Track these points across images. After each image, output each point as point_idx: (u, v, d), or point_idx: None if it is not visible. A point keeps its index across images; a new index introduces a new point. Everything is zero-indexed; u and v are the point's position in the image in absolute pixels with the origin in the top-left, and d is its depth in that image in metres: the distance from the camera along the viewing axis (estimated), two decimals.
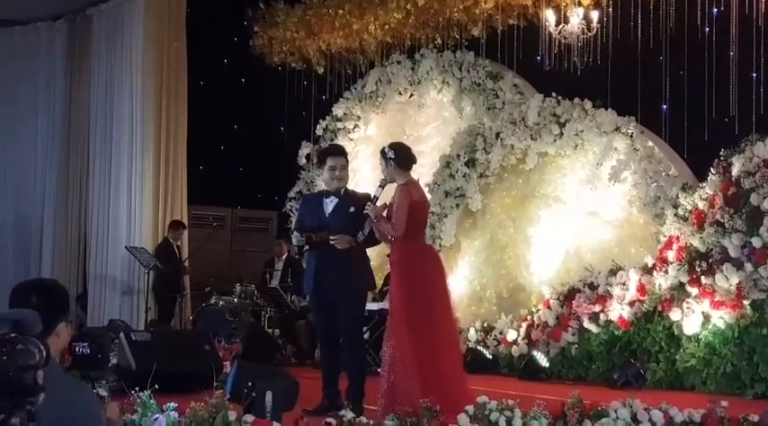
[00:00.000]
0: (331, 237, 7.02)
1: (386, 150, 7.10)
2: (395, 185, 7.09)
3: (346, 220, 7.02)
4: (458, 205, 12.21)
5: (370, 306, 8.78)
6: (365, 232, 6.96)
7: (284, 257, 13.71)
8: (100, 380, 7.47)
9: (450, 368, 6.97)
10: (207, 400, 5.16)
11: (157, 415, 5.08)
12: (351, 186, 7.50)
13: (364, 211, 6.91)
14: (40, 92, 15.82)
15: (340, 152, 7.48)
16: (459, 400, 6.25)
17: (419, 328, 6.81)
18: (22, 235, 15.74)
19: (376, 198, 6.98)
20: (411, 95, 13.66)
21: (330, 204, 7.23)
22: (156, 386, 5.49)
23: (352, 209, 7.05)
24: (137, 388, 5.36)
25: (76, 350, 8.35)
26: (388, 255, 7.85)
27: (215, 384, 6.22)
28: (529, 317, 10.98)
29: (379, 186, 7.06)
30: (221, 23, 15.00)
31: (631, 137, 10.57)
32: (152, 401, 5.22)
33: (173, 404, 5.17)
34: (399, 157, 7.06)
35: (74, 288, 15.19)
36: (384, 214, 6.92)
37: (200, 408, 5.11)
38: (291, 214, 14.75)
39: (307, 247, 7.30)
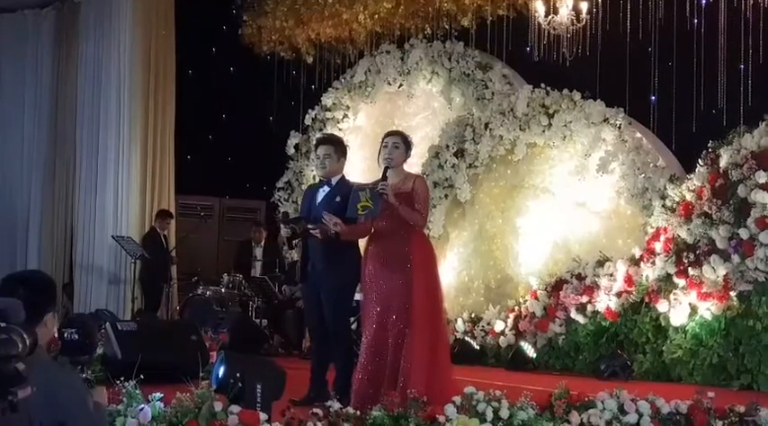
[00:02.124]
0: (309, 226, 6.98)
1: (409, 138, 6.97)
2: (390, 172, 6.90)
3: (331, 210, 6.92)
4: (446, 195, 12.21)
5: (359, 296, 8.72)
6: (361, 213, 6.59)
7: (262, 243, 13.71)
8: (88, 365, 7.54)
9: (445, 361, 6.93)
10: (193, 390, 5.13)
11: (143, 405, 5.05)
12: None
13: (378, 189, 6.52)
14: (26, 79, 15.76)
15: (324, 141, 7.42)
16: (446, 390, 6.25)
17: (442, 319, 6.83)
18: (8, 224, 15.68)
19: (386, 178, 6.65)
20: (400, 85, 13.63)
21: (321, 193, 7.19)
22: (142, 376, 5.45)
23: (338, 199, 6.95)
24: (122, 378, 5.32)
25: (65, 335, 8.43)
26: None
27: (201, 374, 6.19)
28: (516, 308, 10.99)
29: (387, 167, 6.75)
30: (210, 12, 14.95)
31: (620, 128, 10.57)
32: (137, 391, 5.19)
33: (158, 395, 5.14)
34: (410, 150, 7.00)
35: (60, 277, 15.16)
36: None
37: (185, 398, 5.08)
38: (279, 204, 14.72)
39: (295, 239, 7.26)
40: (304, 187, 14.09)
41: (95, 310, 11.91)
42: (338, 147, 7.30)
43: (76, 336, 8.80)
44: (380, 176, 6.76)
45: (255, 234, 13.92)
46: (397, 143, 6.83)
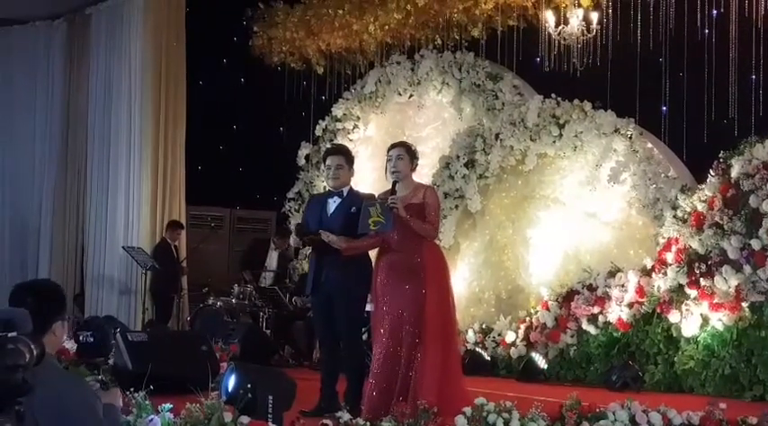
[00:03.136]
0: (321, 231, 6.96)
1: (413, 147, 6.98)
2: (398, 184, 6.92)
3: (347, 221, 6.94)
4: (457, 206, 12.19)
5: (370, 307, 8.69)
6: (373, 228, 6.60)
7: (279, 251, 13.71)
8: (103, 367, 7.70)
9: (456, 371, 6.91)
10: (202, 401, 5.12)
11: (152, 416, 5.04)
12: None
13: (388, 203, 6.56)
14: (38, 91, 15.81)
15: (335, 151, 7.45)
16: (457, 401, 6.23)
17: (454, 329, 6.82)
18: (19, 235, 15.73)
19: (395, 192, 6.69)
20: (411, 96, 13.63)
21: (333, 204, 7.18)
22: (152, 387, 5.45)
23: (353, 209, 6.95)
24: (132, 389, 5.32)
25: (80, 338, 8.83)
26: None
27: (211, 385, 6.19)
28: (527, 319, 10.96)
29: (395, 181, 6.79)
30: (221, 23, 14.98)
31: (630, 138, 10.55)
32: (147, 402, 5.19)
33: (168, 406, 5.14)
34: (417, 159, 7.00)
35: (71, 288, 15.19)
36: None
37: (195, 409, 5.07)
38: (290, 215, 14.72)
39: (307, 247, 7.29)
40: None
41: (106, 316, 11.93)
42: (349, 158, 7.31)
43: (92, 339, 9.02)
44: (390, 188, 6.78)
45: (278, 240, 13.87)
46: (401, 154, 6.85)
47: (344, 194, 7.17)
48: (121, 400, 4.24)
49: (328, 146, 13.92)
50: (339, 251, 6.91)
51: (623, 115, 10.66)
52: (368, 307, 7.48)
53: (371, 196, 7.07)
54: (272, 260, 13.80)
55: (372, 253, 7.06)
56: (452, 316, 6.89)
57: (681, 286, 9.36)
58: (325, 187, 13.92)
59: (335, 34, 13.94)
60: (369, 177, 12.52)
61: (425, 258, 6.70)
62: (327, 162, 7.27)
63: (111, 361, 8.52)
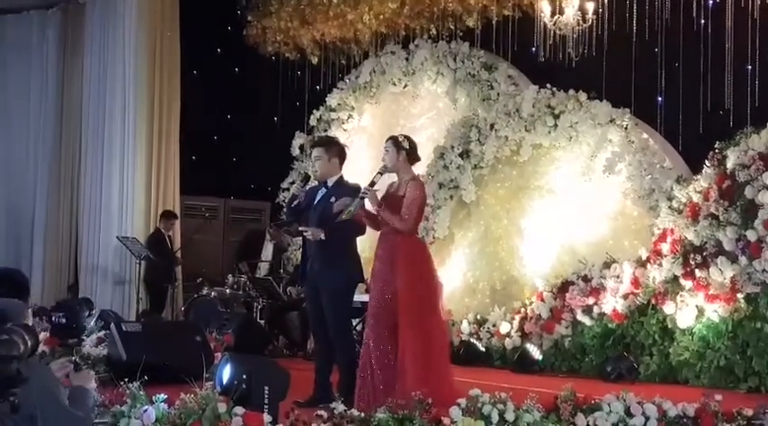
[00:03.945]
0: (300, 228, 7.05)
1: (400, 139, 7.01)
2: (392, 176, 7.04)
3: (326, 211, 6.98)
4: (452, 196, 12.17)
5: (361, 298, 8.68)
6: (343, 217, 6.75)
7: (273, 243, 13.69)
8: (76, 348, 7.76)
9: (439, 360, 6.92)
10: (197, 392, 5.11)
11: (147, 407, 5.02)
12: (345, 177, 7.41)
13: (360, 195, 6.77)
14: (32, 80, 15.78)
15: (315, 143, 7.61)
16: (447, 393, 6.23)
17: (432, 322, 6.83)
18: (14, 225, 15.71)
19: (374, 183, 6.85)
20: (405, 86, 13.60)
21: (319, 195, 7.27)
22: (146, 378, 5.43)
23: (332, 200, 7.00)
24: (126, 379, 5.30)
25: (53, 319, 8.86)
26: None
27: (206, 375, 6.17)
28: (522, 310, 10.95)
29: (379, 172, 6.92)
30: (215, 12, 14.94)
31: (626, 129, 10.54)
32: (141, 392, 5.17)
33: (162, 396, 5.11)
34: (412, 150, 7.00)
35: (65, 278, 15.20)
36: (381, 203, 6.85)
37: (190, 400, 5.05)
38: (284, 204, 14.70)
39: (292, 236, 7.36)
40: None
41: (100, 311, 11.88)
42: (329, 148, 7.31)
43: (64, 320, 9.10)
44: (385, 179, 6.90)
45: (275, 233, 13.84)
46: (388, 147, 7.00)
47: (329, 185, 7.20)
48: (94, 381, 4.21)
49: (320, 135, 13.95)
50: (321, 243, 7.00)
51: (619, 105, 10.65)
52: (359, 298, 7.52)
53: (356, 186, 7.14)
54: (268, 251, 13.79)
55: (371, 244, 7.13)
56: (433, 306, 6.88)
57: (676, 277, 9.35)
58: None
59: (330, 24, 13.91)
60: (365, 167, 12.50)
61: (399, 248, 6.86)
62: (310, 155, 7.36)
63: (85, 343, 8.60)
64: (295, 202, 7.46)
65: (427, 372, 6.57)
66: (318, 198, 7.22)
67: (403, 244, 6.87)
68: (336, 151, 7.33)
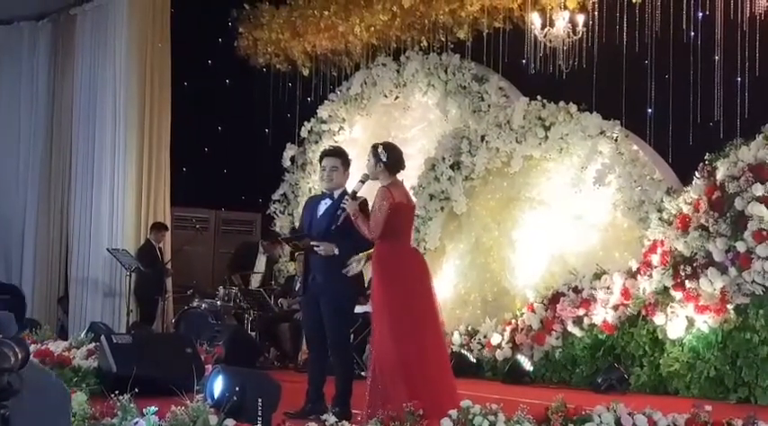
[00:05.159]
0: (312, 243, 7.01)
1: (379, 149, 7.00)
2: (377, 183, 7.05)
3: (333, 223, 6.97)
4: (442, 208, 12.18)
5: (357, 309, 8.68)
6: (338, 222, 6.86)
7: (266, 256, 13.67)
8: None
9: (437, 371, 6.88)
10: (188, 404, 5.10)
11: (137, 419, 5.01)
12: None
13: (341, 204, 6.86)
14: (22, 92, 15.75)
15: (331, 153, 7.49)
16: (446, 403, 6.20)
17: (403, 330, 6.72)
18: (3, 237, 15.65)
19: (354, 192, 6.90)
20: (396, 98, 13.63)
21: (323, 206, 7.23)
22: (137, 390, 5.42)
23: (339, 212, 6.99)
24: (117, 392, 5.29)
25: None
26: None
27: (196, 387, 6.16)
28: (513, 321, 10.96)
29: (360, 181, 6.96)
30: (206, 24, 14.94)
31: (616, 140, 10.57)
32: (132, 404, 5.16)
33: (153, 408, 5.11)
34: (390, 160, 6.97)
35: (55, 290, 15.15)
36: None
37: (180, 412, 5.05)
38: (276, 216, 14.70)
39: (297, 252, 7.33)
40: (300, 199, 14.10)
41: (90, 323, 11.85)
42: (345, 160, 7.35)
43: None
44: (375, 189, 6.93)
45: (267, 245, 13.82)
46: (369, 155, 7.04)
47: (335, 196, 7.19)
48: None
49: (314, 147, 13.95)
50: (327, 256, 6.99)
51: (609, 117, 10.68)
52: (358, 309, 7.52)
53: (363, 199, 7.15)
54: (261, 263, 13.77)
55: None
56: (411, 313, 6.78)
57: (666, 288, 9.37)
58: (311, 189, 13.98)
59: (321, 35, 13.93)
60: (355, 178, 12.48)
61: (374, 258, 6.92)
62: (323, 163, 7.32)
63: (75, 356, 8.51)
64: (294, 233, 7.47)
65: (410, 382, 6.51)
66: (323, 209, 7.19)
67: (375, 254, 6.91)
68: (348, 163, 7.38)
